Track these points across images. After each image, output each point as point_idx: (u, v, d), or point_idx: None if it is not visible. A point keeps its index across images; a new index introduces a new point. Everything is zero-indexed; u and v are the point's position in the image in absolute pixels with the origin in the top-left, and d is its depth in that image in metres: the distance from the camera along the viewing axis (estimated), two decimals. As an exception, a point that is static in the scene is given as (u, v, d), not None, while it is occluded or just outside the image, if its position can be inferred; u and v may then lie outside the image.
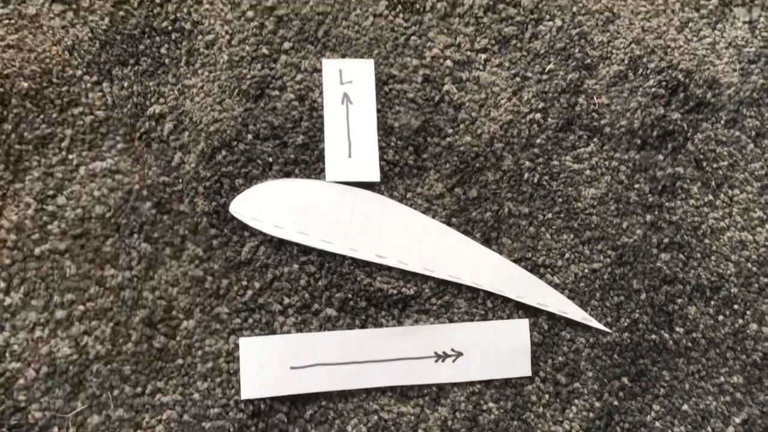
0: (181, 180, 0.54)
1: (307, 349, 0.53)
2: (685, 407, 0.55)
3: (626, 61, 0.59)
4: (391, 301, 0.54)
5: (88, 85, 0.55)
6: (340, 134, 0.55)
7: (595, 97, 0.58)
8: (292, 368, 0.52)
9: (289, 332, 0.53)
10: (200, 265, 0.53)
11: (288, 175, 0.55)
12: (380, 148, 0.56)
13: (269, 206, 0.54)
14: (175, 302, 0.53)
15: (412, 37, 0.57)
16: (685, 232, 0.57)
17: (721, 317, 0.56)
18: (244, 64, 0.56)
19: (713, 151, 0.58)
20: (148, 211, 0.54)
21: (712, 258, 0.57)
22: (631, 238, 0.56)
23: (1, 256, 0.52)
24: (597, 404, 0.55)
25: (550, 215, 0.56)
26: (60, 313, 0.52)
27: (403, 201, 0.56)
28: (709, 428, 0.55)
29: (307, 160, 0.55)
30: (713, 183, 0.58)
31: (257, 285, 0.54)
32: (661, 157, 0.58)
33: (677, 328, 0.56)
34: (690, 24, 0.60)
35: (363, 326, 0.54)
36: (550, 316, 0.55)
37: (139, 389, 0.52)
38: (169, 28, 0.56)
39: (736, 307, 0.56)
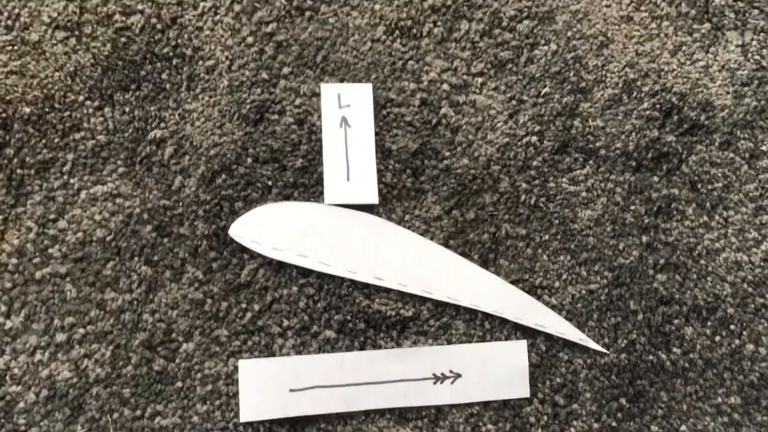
0: (181, 203, 0.55)
1: (306, 372, 0.53)
2: (683, 428, 0.55)
3: (620, 85, 0.59)
4: (389, 322, 0.55)
5: (90, 110, 0.55)
6: (338, 157, 0.56)
7: (590, 120, 0.59)
8: (291, 390, 0.53)
9: (288, 354, 0.54)
10: (200, 288, 0.54)
11: (287, 198, 0.56)
12: (378, 170, 0.56)
13: (268, 229, 0.54)
14: (175, 325, 0.53)
15: (410, 62, 0.58)
16: (680, 253, 0.57)
17: (717, 338, 0.56)
18: (244, 89, 0.56)
19: (708, 172, 0.59)
20: (148, 235, 0.54)
21: (708, 279, 0.57)
22: (627, 259, 0.57)
23: (2, 279, 0.52)
24: (595, 425, 0.55)
25: (547, 237, 0.57)
26: (60, 337, 0.52)
27: (401, 223, 0.56)
28: (707, 449, 0.55)
29: (306, 183, 0.56)
30: (708, 204, 0.58)
31: (256, 307, 0.54)
32: (656, 178, 0.58)
33: (674, 349, 0.56)
34: (683, 48, 0.61)
35: (362, 348, 0.54)
36: (548, 337, 0.55)
37: (138, 412, 0.52)
38: (170, 53, 0.57)
39: (732, 327, 0.57)
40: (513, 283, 0.56)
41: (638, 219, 0.57)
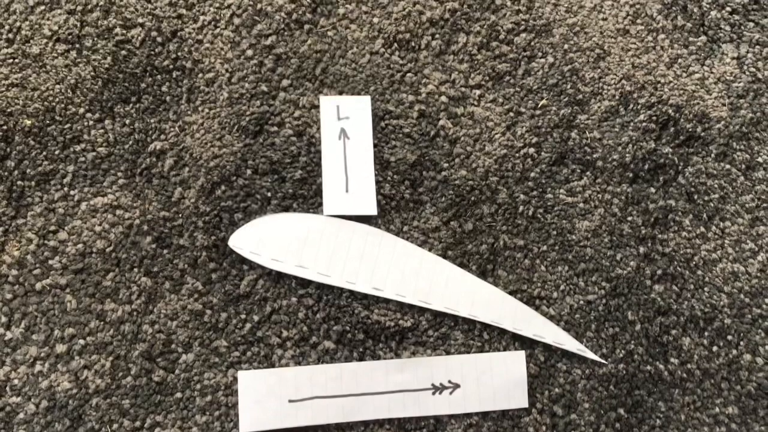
0: (181, 215, 0.55)
1: (305, 382, 0.53)
2: (681, 438, 0.55)
3: (617, 97, 0.60)
4: (388, 333, 0.55)
5: (91, 122, 0.56)
6: (337, 169, 0.56)
7: (587, 132, 0.59)
8: (290, 401, 0.53)
9: (287, 365, 0.54)
10: (199, 299, 0.54)
11: (286, 209, 0.56)
12: (377, 182, 0.57)
13: (268, 240, 0.54)
14: (175, 336, 0.53)
15: (408, 74, 0.59)
16: (678, 263, 0.58)
17: (715, 348, 0.57)
18: (243, 101, 0.57)
19: (704, 184, 0.59)
20: (148, 246, 0.54)
21: (706, 289, 0.57)
22: (625, 269, 0.57)
23: (2, 290, 0.53)
24: (594, 436, 0.55)
25: (544, 248, 0.57)
26: (60, 348, 0.52)
27: (399, 234, 0.56)
28: (705, 459, 0.55)
29: (305, 195, 0.56)
30: (705, 215, 0.59)
31: (256, 318, 0.54)
32: (653, 190, 0.59)
33: (672, 359, 0.56)
34: (679, 60, 0.61)
35: (361, 359, 0.54)
36: (546, 347, 0.56)
37: (138, 423, 0.52)
38: (171, 66, 0.57)
39: (729, 337, 0.57)
40: (511, 293, 0.56)
41: (635, 230, 0.58)
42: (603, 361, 0.56)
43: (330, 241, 0.55)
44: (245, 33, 0.58)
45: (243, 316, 0.54)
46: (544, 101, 0.59)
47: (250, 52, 0.58)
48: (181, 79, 0.57)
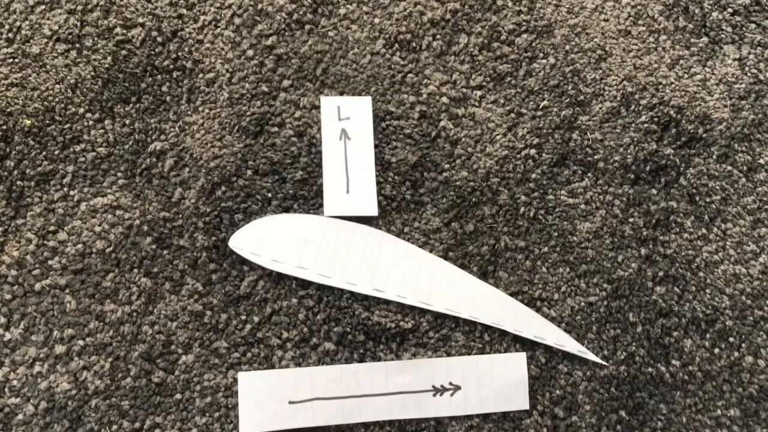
0: (181, 215, 0.55)
1: (305, 384, 0.53)
2: (682, 440, 0.55)
3: (619, 98, 0.60)
4: (389, 334, 0.55)
5: (90, 122, 0.55)
6: (338, 170, 0.56)
7: (588, 133, 0.59)
8: (290, 403, 0.52)
9: (287, 366, 0.54)
10: (199, 300, 0.54)
11: (287, 210, 0.56)
12: (378, 183, 0.57)
13: (268, 241, 0.54)
14: (174, 337, 0.53)
15: (409, 75, 0.59)
16: (679, 265, 0.57)
17: (716, 350, 0.56)
18: (244, 102, 0.57)
19: (706, 185, 0.59)
20: (148, 246, 0.54)
21: (707, 291, 0.57)
22: (626, 271, 0.57)
23: (1, 291, 0.52)
24: (595, 438, 0.55)
25: (546, 249, 0.57)
26: (59, 348, 0.52)
27: (400, 235, 0.56)
28: (707, 462, 0.55)
29: (306, 196, 0.56)
30: (706, 217, 0.58)
31: (256, 319, 0.54)
32: (654, 191, 0.58)
33: (673, 361, 0.56)
34: (681, 61, 0.61)
35: (361, 360, 0.54)
36: (548, 349, 0.56)
37: (137, 424, 0.52)
38: (171, 66, 0.57)
39: (731, 339, 0.57)
40: (512, 295, 0.56)
41: (637, 231, 0.58)
42: (604, 363, 0.56)
43: (330, 242, 0.55)
44: (246, 33, 0.58)
45: (243, 317, 0.54)
46: (545, 102, 0.59)
47: (250, 53, 0.58)
48: (181, 79, 0.57)
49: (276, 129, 0.57)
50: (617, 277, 0.57)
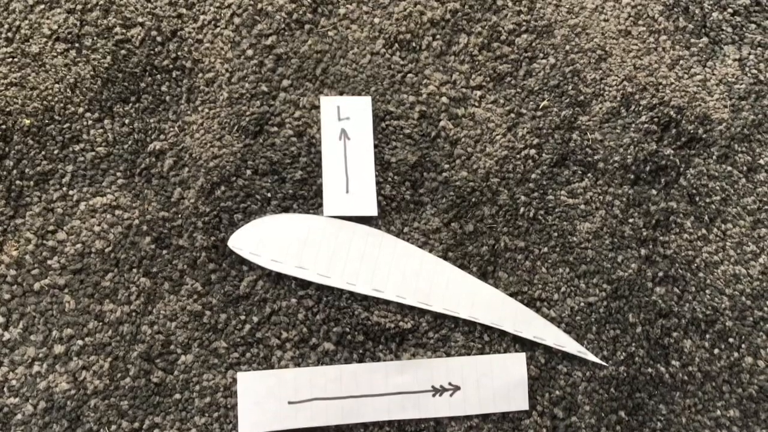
0: (180, 215, 0.55)
1: (304, 384, 0.53)
2: (682, 441, 0.55)
3: (619, 98, 0.60)
4: (388, 334, 0.55)
5: (90, 122, 0.55)
6: (337, 170, 0.56)
7: (588, 133, 0.59)
8: (290, 403, 0.52)
9: (287, 367, 0.54)
10: (199, 300, 0.54)
11: (286, 210, 0.56)
12: (377, 183, 0.57)
13: (268, 241, 0.54)
14: (174, 337, 0.53)
15: (409, 75, 0.59)
16: (679, 265, 0.57)
17: (716, 351, 0.56)
18: (243, 101, 0.57)
19: (706, 185, 0.59)
20: (147, 246, 0.54)
21: (707, 291, 0.57)
22: (626, 271, 0.57)
23: (0, 290, 0.52)
24: (594, 438, 0.55)
25: (545, 249, 0.57)
26: (58, 348, 0.52)
27: (400, 235, 0.56)
28: (706, 462, 0.55)
29: (306, 196, 0.56)
30: (706, 217, 0.58)
31: (255, 319, 0.54)
32: (654, 191, 0.58)
33: (673, 362, 0.56)
34: (681, 62, 0.61)
35: (361, 360, 0.54)
36: (547, 349, 0.55)
37: (136, 424, 0.52)
38: (170, 66, 0.57)
39: (731, 340, 0.57)
40: (512, 295, 0.56)
41: (637, 232, 0.58)
42: (604, 364, 0.55)
43: (330, 242, 0.55)
44: (245, 33, 0.58)
45: (242, 317, 0.54)
46: (545, 102, 0.59)
47: (250, 52, 0.58)
48: (180, 78, 0.57)
49: (275, 129, 0.57)
50: (617, 277, 0.57)
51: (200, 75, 0.57)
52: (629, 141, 0.59)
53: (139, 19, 0.57)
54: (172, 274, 0.54)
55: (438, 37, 0.59)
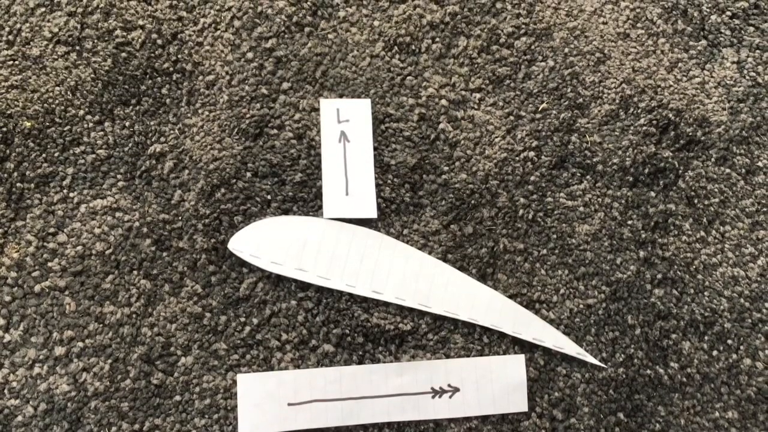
0: (180, 217, 0.55)
1: (304, 386, 0.53)
2: (681, 443, 0.55)
3: (617, 101, 0.60)
4: (388, 336, 0.55)
5: (90, 124, 0.56)
6: (337, 172, 0.56)
7: (587, 136, 0.59)
8: (289, 404, 0.53)
9: (286, 368, 0.54)
10: (199, 302, 0.54)
11: (286, 212, 0.56)
12: (377, 185, 0.57)
13: (267, 243, 0.54)
14: (174, 338, 0.53)
15: (408, 77, 0.59)
16: (678, 267, 0.58)
17: (715, 352, 0.57)
18: (243, 104, 0.57)
19: (704, 188, 0.59)
20: (147, 248, 0.54)
21: (706, 293, 0.57)
22: (624, 273, 0.57)
23: (1, 292, 0.52)
24: (593, 440, 0.55)
25: (544, 251, 0.57)
26: (59, 350, 0.52)
27: (399, 237, 0.56)
28: (705, 464, 0.55)
29: (305, 198, 0.56)
30: (705, 219, 0.59)
31: (255, 321, 0.54)
32: (653, 194, 0.59)
33: (672, 364, 0.56)
34: (679, 64, 0.61)
35: (360, 362, 0.54)
36: (546, 351, 0.56)
37: (137, 426, 0.52)
38: (171, 69, 0.57)
39: (729, 342, 0.57)
40: (511, 297, 0.56)
41: (635, 234, 0.58)
42: (603, 365, 0.56)
43: (330, 244, 0.55)
44: (245, 36, 0.58)
45: (242, 319, 0.54)
46: (544, 105, 0.59)
47: (250, 55, 0.58)
48: (181, 81, 0.57)
49: (275, 131, 0.57)
50: (616, 279, 0.57)
51: (200, 78, 0.57)
52: (628, 143, 0.59)
53: (140, 22, 0.57)
54: (172, 276, 0.54)
55: (437, 39, 0.60)
